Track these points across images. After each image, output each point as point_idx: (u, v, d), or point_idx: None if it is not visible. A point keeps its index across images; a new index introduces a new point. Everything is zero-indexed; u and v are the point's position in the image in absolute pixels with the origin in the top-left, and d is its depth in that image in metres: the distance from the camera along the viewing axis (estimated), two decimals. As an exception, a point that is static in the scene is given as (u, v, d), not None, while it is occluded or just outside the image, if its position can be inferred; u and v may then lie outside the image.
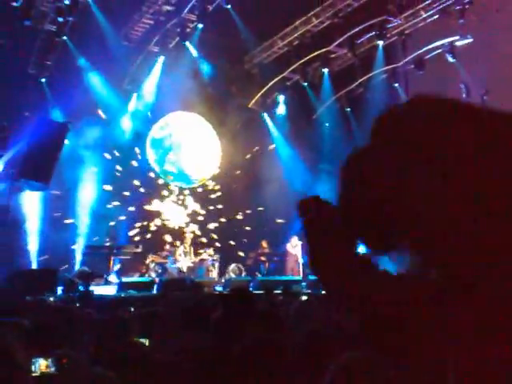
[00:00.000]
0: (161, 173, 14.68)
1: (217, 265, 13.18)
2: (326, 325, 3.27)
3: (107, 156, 13.47)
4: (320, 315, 3.94)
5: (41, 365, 2.72)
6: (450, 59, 14.11)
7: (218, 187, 15.08)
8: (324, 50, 14.91)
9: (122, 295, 9.59)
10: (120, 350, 2.82)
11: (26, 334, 3.37)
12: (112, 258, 11.25)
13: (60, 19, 12.44)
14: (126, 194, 13.56)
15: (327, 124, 16.40)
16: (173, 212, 14.43)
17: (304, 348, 2.71)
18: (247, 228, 14.55)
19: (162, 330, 3.94)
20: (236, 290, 4.26)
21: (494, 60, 14.14)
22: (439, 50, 14.47)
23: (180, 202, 14.72)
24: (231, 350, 2.64)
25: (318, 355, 2.58)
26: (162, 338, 3.57)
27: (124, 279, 11.03)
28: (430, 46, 14.66)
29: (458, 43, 14.06)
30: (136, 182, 13.88)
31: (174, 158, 14.83)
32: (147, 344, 3.47)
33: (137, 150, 14.36)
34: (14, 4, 11.43)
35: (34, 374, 2.61)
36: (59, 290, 9.25)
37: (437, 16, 13.71)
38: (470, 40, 13.88)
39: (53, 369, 2.72)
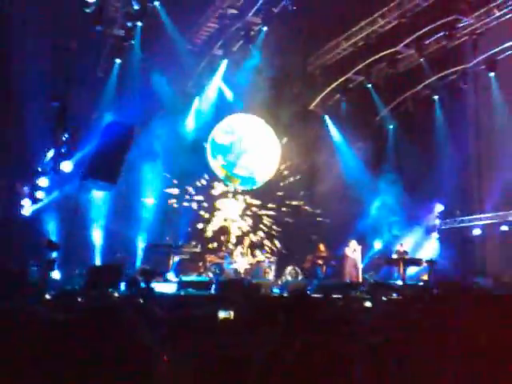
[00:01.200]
0: (226, 177, 14.85)
1: (274, 267, 13.20)
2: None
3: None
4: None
5: None
6: (525, 60, 13.40)
7: (277, 190, 15.10)
8: (390, 50, 14.57)
9: (182, 293, 9.76)
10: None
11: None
12: (172, 256, 11.50)
13: (128, 24, 12.85)
14: (187, 195, 13.83)
15: (391, 126, 16.03)
16: (231, 213, 14.58)
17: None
18: (304, 230, 14.46)
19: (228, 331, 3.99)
20: (296, 293, 4.24)
21: None
22: (512, 51, 13.82)
23: (239, 204, 14.85)
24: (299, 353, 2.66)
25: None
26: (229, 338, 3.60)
27: (183, 278, 11.26)
28: (503, 46, 14.02)
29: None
30: (198, 184, 14.13)
31: (242, 161, 14.97)
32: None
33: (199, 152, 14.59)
34: (87, 10, 11.88)
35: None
36: (122, 286, 9.53)
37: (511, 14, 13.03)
38: (546, 39, 13.18)
39: None
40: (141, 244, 12.57)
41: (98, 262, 11.88)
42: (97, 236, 12.16)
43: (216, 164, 14.78)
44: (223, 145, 14.85)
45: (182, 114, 14.38)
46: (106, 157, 11.21)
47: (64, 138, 10.83)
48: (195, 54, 14.18)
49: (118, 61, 13.22)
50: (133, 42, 13.04)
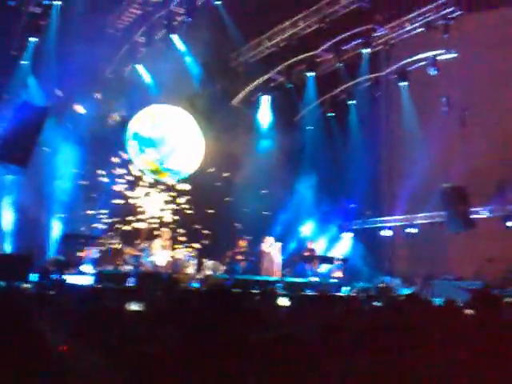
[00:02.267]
0: (145, 168, 14.46)
1: (194, 261, 13.07)
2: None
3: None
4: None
5: None
6: (433, 72, 14.27)
7: (200, 183, 14.94)
8: (310, 53, 14.98)
9: (97, 286, 9.44)
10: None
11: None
12: (88, 248, 11.05)
13: (45, 1, 12.18)
14: (105, 181, 13.35)
15: (309, 127, 16.46)
16: (152, 206, 14.25)
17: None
18: (226, 225, 14.44)
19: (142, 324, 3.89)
20: (215, 287, 4.24)
21: (476, 76, 14.50)
22: (423, 63, 14.68)
23: (160, 197, 14.54)
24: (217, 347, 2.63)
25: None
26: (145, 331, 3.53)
27: (99, 270, 10.86)
28: (414, 58, 14.88)
29: (441, 57, 14.27)
30: (116, 173, 13.65)
31: (161, 152, 14.61)
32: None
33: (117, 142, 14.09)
34: (-2, -16, 11.11)
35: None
36: (32, 276, 9.01)
37: (422, 29, 13.85)
38: (454, 55, 14.14)
39: None
40: (56, 233, 11.93)
41: (8, 250, 11.12)
42: (7, 222, 11.37)
43: (144, 158, 14.30)
44: (150, 138, 14.41)
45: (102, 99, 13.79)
46: (16, 140, 10.59)
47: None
48: (116, 39, 13.69)
49: (33, 39, 12.40)
50: (50, 21, 12.34)
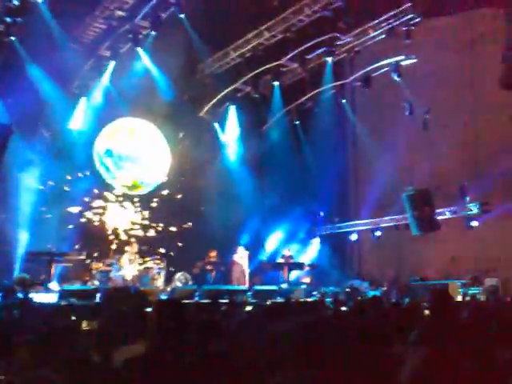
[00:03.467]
0: (109, 178, 14.52)
1: (163, 273, 13.10)
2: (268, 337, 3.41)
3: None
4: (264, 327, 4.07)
5: None
6: (396, 78, 14.55)
7: (166, 195, 15.02)
8: (275, 63, 15.15)
9: (63, 303, 9.38)
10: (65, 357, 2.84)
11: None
12: (54, 264, 10.99)
13: (8, 19, 12.14)
14: (68, 196, 13.36)
15: (276, 135, 16.66)
16: (118, 219, 14.26)
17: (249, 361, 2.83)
18: (194, 237, 14.52)
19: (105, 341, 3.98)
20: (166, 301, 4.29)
21: (438, 79, 14.85)
22: (386, 69, 14.96)
23: (126, 209, 14.57)
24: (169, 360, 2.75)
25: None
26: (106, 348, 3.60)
27: (65, 287, 10.78)
28: (378, 64, 15.16)
29: (403, 62, 14.57)
30: (81, 187, 13.66)
31: (125, 165, 14.71)
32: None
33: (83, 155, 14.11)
34: (-41, 1, 11.07)
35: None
36: (-2, 296, 8.96)
37: (384, 35, 14.13)
38: (415, 60, 14.45)
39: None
40: (20, 251, 11.81)
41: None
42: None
43: (123, 174, 14.40)
44: (126, 154, 14.55)
45: (66, 116, 13.78)
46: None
47: None
48: (81, 54, 13.71)
49: (-4, 57, 12.38)
50: (12, 38, 12.33)
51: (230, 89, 15.64)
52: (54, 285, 10.84)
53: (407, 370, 2.31)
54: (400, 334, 3.64)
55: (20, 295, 9.04)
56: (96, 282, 11.87)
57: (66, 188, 13.45)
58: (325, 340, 2.53)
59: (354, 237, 16.39)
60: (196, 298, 11.03)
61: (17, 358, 3.26)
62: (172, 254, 14.20)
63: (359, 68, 15.82)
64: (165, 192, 15.01)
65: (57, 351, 3.21)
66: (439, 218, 14.19)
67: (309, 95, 16.42)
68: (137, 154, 15.03)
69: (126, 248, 13.20)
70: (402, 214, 14.71)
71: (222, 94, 15.71)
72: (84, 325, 4.95)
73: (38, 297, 9.37)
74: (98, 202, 14.07)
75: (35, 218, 12.30)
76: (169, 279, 13.23)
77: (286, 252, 14.89)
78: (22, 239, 12.03)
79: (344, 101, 16.48)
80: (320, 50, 14.88)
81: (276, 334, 3.40)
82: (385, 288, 13.28)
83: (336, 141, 16.49)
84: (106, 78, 14.10)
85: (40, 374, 2.40)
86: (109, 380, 2.69)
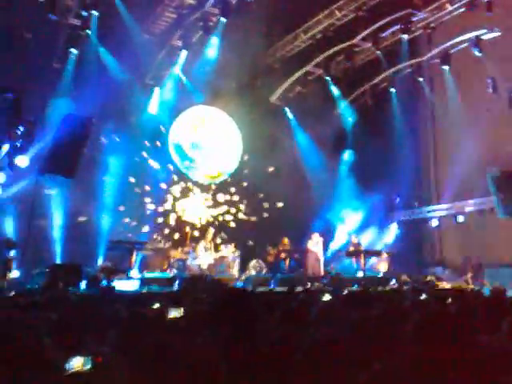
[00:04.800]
0: (184, 168, 14.75)
1: (238, 261, 13.18)
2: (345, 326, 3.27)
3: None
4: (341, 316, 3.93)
5: (74, 363, 2.64)
6: (477, 53, 13.77)
7: (240, 183, 15.07)
8: (348, 43, 14.72)
9: (144, 291, 9.64)
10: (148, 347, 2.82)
11: (54, 329, 3.37)
12: (134, 253, 11.31)
13: (84, 13, 12.48)
14: (148, 189, 13.65)
15: (350, 119, 16.24)
16: (194, 208, 14.47)
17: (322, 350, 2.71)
18: (268, 225, 14.49)
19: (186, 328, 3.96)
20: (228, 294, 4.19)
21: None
22: (465, 44, 14.20)
23: (202, 198, 14.76)
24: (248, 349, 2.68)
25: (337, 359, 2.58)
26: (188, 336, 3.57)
27: (146, 275, 11.11)
28: (456, 40, 14.40)
29: (484, 37, 13.76)
30: (158, 178, 13.95)
31: (199, 154, 14.90)
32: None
33: (158, 144, 14.38)
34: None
35: (67, 373, 2.55)
36: (83, 284, 9.33)
37: (463, 9, 13.37)
38: (498, 33, 13.59)
39: (87, 367, 2.67)
40: (102, 241, 12.26)
41: (57, 259, 11.54)
42: (56, 232, 11.79)
43: (175, 156, 14.67)
44: (207, 147, 14.81)
45: (142, 107, 14.06)
46: (63, 151, 10.87)
47: (19, 132, 10.41)
48: (153, 45, 13.90)
49: (74, 51, 12.78)
50: (89, 32, 12.65)
51: (301, 72, 15.37)
52: (134, 273, 11.15)
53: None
54: (485, 323, 3.40)
55: (104, 283, 9.36)
56: (174, 270, 12.12)
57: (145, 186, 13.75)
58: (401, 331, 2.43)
59: (434, 222, 15.77)
60: (271, 286, 11.00)
61: (107, 341, 3.26)
62: (250, 242, 14.24)
63: (437, 45, 15.07)
64: (237, 180, 15.05)
65: (142, 338, 3.18)
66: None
67: (383, 75, 15.87)
68: (213, 143, 15.19)
69: (202, 236, 13.38)
70: (487, 196, 13.98)
71: (293, 77, 15.47)
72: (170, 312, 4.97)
73: (120, 284, 9.65)
74: (175, 191, 14.33)
75: (115, 207, 12.69)
76: (244, 267, 13.29)
77: (354, 239, 14.57)
78: (105, 228, 12.47)
79: (421, 79, 15.78)
80: (394, 28, 14.34)
81: (357, 323, 3.27)
82: (469, 276, 12.70)
83: (413, 122, 15.87)
84: (178, 68, 14.24)
85: (125, 360, 2.36)
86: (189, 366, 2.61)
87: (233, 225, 14.71)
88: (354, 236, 14.67)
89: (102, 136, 12.96)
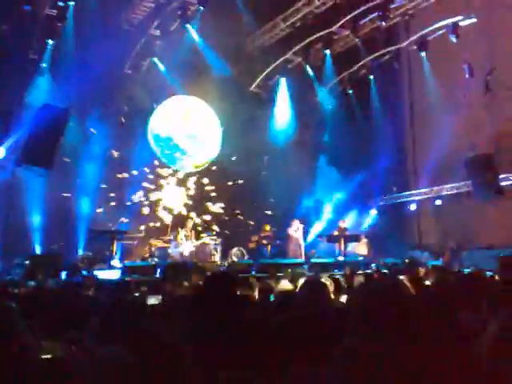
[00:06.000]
0: (165, 158, 14.77)
1: (219, 248, 13.26)
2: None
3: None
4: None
5: (50, 348, 2.70)
6: (453, 39, 13.88)
7: (220, 171, 15.11)
8: (326, 31, 14.77)
9: (126, 279, 9.65)
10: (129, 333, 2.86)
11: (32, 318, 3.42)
12: (115, 242, 11.32)
13: (60, 3, 12.39)
14: (128, 178, 13.65)
15: (329, 106, 16.33)
16: (174, 196, 14.49)
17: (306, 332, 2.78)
18: (249, 213, 14.57)
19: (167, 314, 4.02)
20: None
21: (498, 38, 14.05)
22: (442, 31, 14.30)
23: (182, 187, 14.78)
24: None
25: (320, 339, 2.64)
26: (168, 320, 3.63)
27: (127, 263, 11.14)
28: (434, 27, 14.50)
29: (461, 23, 13.86)
30: (138, 167, 13.93)
31: (180, 143, 14.92)
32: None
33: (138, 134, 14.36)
34: (14, -11, 11.38)
35: (43, 357, 2.60)
36: (63, 274, 9.34)
37: (440, -5, 13.48)
38: (474, 20, 13.71)
39: (62, 353, 2.71)
40: (83, 229, 12.25)
41: (37, 250, 11.52)
42: (35, 223, 11.75)
43: (154, 145, 14.70)
44: (190, 136, 14.84)
45: (119, 97, 14.01)
46: (40, 142, 10.81)
47: (-4, 124, 10.38)
48: (132, 34, 13.86)
49: (50, 42, 12.68)
50: (66, 22, 12.58)
51: (280, 60, 15.41)
52: (115, 262, 11.18)
53: (487, 337, 2.11)
54: (465, 301, 3.47)
55: (84, 272, 9.38)
56: (155, 259, 12.17)
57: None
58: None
59: (413, 207, 15.95)
60: (252, 273, 11.09)
61: (89, 331, 3.30)
62: (227, 232, 14.31)
63: (415, 32, 15.18)
64: (218, 169, 15.08)
65: (124, 326, 3.21)
66: (503, 183, 13.55)
67: (362, 62, 15.96)
68: (194, 133, 15.20)
69: (182, 224, 13.42)
70: (464, 181, 14.17)
71: (273, 66, 15.51)
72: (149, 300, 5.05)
73: (102, 274, 9.68)
74: (155, 180, 14.35)
75: (95, 197, 12.68)
76: (225, 254, 13.37)
77: (342, 223, 14.64)
78: (85, 218, 12.45)
79: (399, 66, 15.90)
80: (373, 15, 14.40)
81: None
82: (446, 257, 12.89)
83: (392, 108, 15.98)
84: (156, 57, 14.21)
85: (109, 350, 2.40)
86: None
87: (213, 212, 14.72)
88: (341, 221, 14.68)
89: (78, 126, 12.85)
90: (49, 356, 2.57)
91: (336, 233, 14.34)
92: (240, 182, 14.78)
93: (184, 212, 14.35)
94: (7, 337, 2.10)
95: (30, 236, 11.57)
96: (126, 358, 2.24)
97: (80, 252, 11.85)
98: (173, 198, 14.40)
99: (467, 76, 14.05)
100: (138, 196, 13.76)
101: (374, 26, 14.83)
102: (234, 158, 14.89)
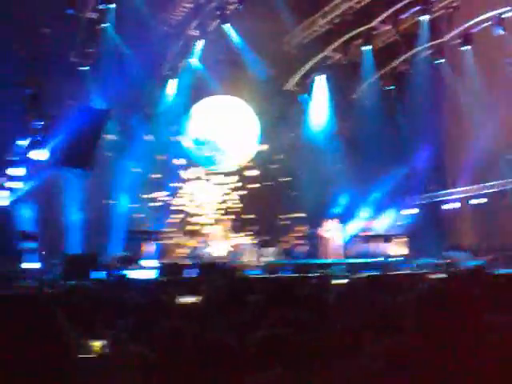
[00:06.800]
0: (203, 158, 14.93)
1: (254, 248, 13.30)
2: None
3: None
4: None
5: (87, 347, 2.82)
6: (500, 32, 13.40)
7: (256, 171, 15.14)
8: (366, 27, 14.53)
9: (162, 279, 9.82)
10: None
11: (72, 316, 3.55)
12: (150, 242, 11.52)
13: (101, 6, 12.67)
14: (164, 179, 13.86)
15: (368, 103, 16.07)
16: (211, 197, 14.63)
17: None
18: (284, 211, 14.56)
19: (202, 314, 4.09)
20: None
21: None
22: (488, 23, 13.81)
23: (218, 187, 14.90)
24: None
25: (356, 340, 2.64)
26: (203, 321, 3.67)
27: (162, 263, 11.31)
28: (478, 19, 14.03)
29: (507, 15, 13.37)
30: (174, 168, 14.14)
31: (218, 143, 15.06)
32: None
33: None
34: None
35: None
36: (100, 274, 9.59)
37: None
38: (520, 12, 13.20)
39: (98, 352, 2.82)
40: (118, 231, 12.53)
41: (76, 250, 11.85)
42: (75, 223, 12.10)
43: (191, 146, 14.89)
44: (207, 138, 15.00)
45: (158, 98, 14.24)
46: (81, 144, 11.16)
47: (39, 126, 10.75)
48: (171, 36, 14.03)
49: (92, 45, 13.00)
50: (106, 25, 12.85)
51: (318, 58, 15.25)
52: (147, 262, 11.35)
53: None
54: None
55: (121, 272, 9.61)
56: (192, 259, 12.32)
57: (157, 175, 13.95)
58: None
59: (451, 206, 15.53)
60: (287, 273, 11.09)
61: (125, 330, 3.39)
62: (267, 229, 14.34)
63: (458, 25, 14.70)
64: (254, 169, 15.11)
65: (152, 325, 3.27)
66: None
67: (403, 58, 15.61)
68: (232, 132, 15.31)
69: (218, 225, 13.54)
70: (506, 178, 13.69)
71: (310, 64, 15.37)
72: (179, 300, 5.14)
73: (137, 273, 9.88)
74: (191, 182, 14.53)
75: (133, 198, 12.94)
76: (260, 254, 13.41)
77: (369, 224, 14.49)
78: (123, 218, 12.73)
79: (442, 61, 15.46)
80: (414, 9, 14.06)
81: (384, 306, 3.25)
82: (489, 258, 12.49)
83: (433, 105, 15.57)
84: (195, 58, 14.33)
85: (135, 350, 2.47)
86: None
87: (249, 213, 14.76)
88: (368, 221, 14.50)
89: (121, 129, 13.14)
90: (86, 355, 2.65)
91: (366, 233, 14.19)
92: (280, 180, 14.78)
93: (221, 212, 14.47)
94: (55, 338, 2.17)
95: (69, 236, 11.92)
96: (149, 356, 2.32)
97: (117, 252, 12.12)
98: (210, 199, 14.55)
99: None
100: (176, 196, 13.96)
101: (415, 21, 14.46)
102: (272, 157, 14.89)
